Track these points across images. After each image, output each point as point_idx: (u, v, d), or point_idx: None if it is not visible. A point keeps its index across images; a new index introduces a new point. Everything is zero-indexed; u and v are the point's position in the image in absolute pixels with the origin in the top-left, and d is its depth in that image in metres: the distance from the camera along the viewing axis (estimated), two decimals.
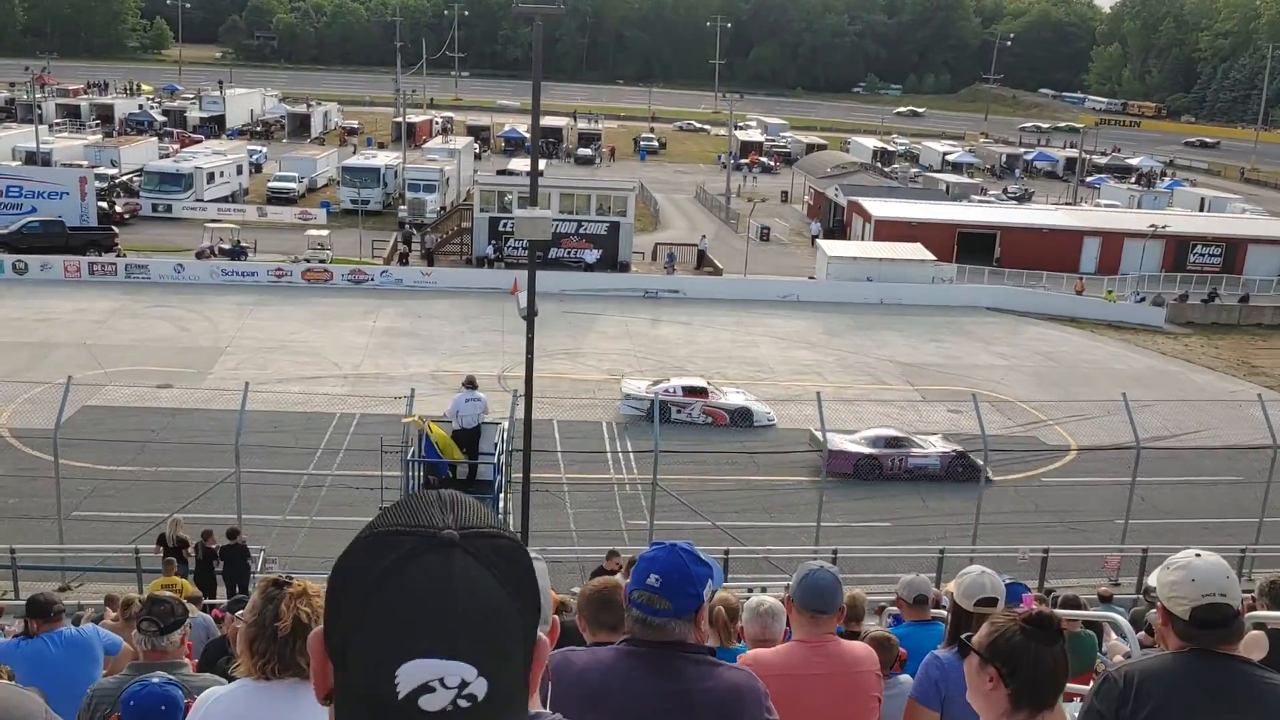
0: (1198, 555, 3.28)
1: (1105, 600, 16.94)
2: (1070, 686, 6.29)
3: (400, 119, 78.45)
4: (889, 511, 26.65)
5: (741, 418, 30.68)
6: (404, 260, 50.78)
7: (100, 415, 28.91)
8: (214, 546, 18.94)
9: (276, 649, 3.29)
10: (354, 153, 74.20)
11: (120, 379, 32.05)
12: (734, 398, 31.57)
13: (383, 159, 66.78)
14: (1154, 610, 14.58)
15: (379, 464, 21.38)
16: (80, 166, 59.63)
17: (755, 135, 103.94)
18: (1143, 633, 11.18)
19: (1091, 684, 3.49)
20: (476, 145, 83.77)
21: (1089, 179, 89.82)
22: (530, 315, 20.77)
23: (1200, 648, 3.19)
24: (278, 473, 25.01)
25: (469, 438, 20.48)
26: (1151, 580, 3.32)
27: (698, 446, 28.26)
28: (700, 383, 31.84)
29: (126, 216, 55.84)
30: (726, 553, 21.70)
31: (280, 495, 24.50)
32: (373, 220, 57.24)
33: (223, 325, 39.79)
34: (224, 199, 61.70)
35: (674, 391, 30.78)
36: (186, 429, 28.02)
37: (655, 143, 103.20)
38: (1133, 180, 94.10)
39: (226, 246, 49.79)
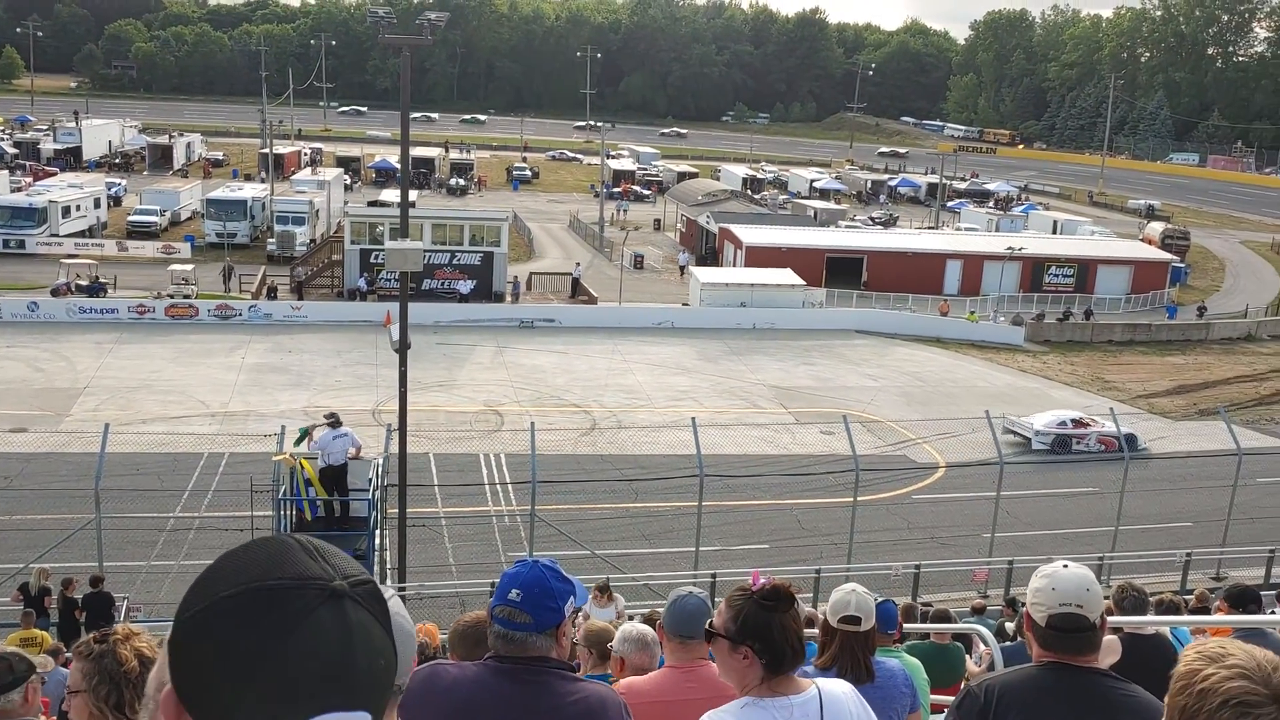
0: (1064, 566, 3.42)
1: (978, 613, 17.46)
2: (937, 698, 6.51)
3: (267, 150, 76.85)
4: (767, 534, 27.05)
5: (1129, 443, 31.51)
6: (272, 294, 49.58)
7: None
8: (74, 596, 18.16)
9: (131, 692, 3.19)
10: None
11: None
12: (1111, 426, 32.43)
13: (249, 191, 65.22)
14: (1013, 621, 15.10)
15: (249, 504, 20.83)
16: None
17: (627, 164, 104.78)
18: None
19: (955, 698, 3.59)
20: (347, 176, 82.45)
21: (949, 204, 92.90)
22: (403, 347, 20.55)
23: (1059, 661, 3.31)
24: (141, 516, 24.18)
25: (336, 474, 20.07)
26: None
27: (575, 476, 28.29)
28: (1081, 415, 35.71)
29: None
30: (607, 580, 21.69)
31: (145, 540, 23.67)
32: (240, 254, 55.89)
33: (81, 365, 38.27)
34: (81, 233, 59.51)
35: (1066, 424, 34.46)
36: (42, 475, 26.86)
37: (528, 172, 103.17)
38: (990, 204, 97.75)
39: (84, 283, 47.99)
